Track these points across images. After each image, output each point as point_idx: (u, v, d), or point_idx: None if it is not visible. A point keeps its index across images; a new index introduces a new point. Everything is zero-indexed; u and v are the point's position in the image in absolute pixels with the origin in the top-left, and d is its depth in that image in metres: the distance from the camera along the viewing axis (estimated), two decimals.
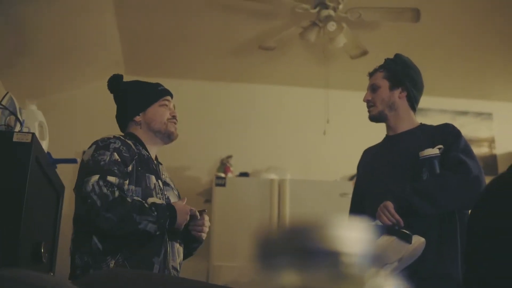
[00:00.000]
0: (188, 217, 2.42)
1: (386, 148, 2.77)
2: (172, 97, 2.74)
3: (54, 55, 4.55)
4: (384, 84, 2.72)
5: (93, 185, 2.26)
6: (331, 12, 4.16)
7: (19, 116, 2.83)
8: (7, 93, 2.87)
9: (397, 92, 2.71)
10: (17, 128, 2.79)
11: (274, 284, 0.43)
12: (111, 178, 2.30)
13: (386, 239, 2.21)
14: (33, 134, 2.56)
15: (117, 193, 2.27)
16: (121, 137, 2.54)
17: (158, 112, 2.63)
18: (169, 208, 2.37)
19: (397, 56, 2.80)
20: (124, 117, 2.69)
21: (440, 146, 2.52)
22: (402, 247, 2.20)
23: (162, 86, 2.74)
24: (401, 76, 2.71)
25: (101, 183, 2.27)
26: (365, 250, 0.44)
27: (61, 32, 4.28)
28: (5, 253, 2.33)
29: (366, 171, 2.81)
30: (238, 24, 4.65)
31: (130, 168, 2.41)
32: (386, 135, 2.82)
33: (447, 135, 2.58)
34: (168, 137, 2.66)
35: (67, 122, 5.04)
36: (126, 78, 2.78)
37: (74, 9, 4.11)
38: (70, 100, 5.23)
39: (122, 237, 2.31)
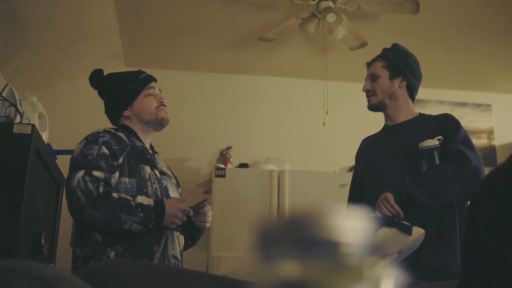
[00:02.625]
0: (177, 219, 2.37)
1: (385, 139, 2.76)
2: (156, 81, 2.69)
3: (54, 47, 4.54)
4: (384, 73, 2.71)
5: (78, 180, 2.27)
6: (331, 4, 4.15)
7: (19, 107, 2.83)
8: (7, 84, 2.87)
9: (397, 82, 2.70)
10: (17, 120, 2.79)
11: (273, 274, 0.44)
12: (96, 173, 2.30)
13: (386, 230, 2.20)
14: (33, 125, 2.56)
15: (101, 189, 2.27)
16: (112, 130, 2.53)
17: (144, 103, 2.60)
18: (157, 209, 2.34)
19: (395, 45, 2.80)
20: (112, 113, 2.68)
21: (440, 137, 2.52)
22: (402, 238, 2.20)
23: (144, 73, 2.69)
24: (400, 66, 2.70)
25: (86, 178, 2.27)
26: (364, 241, 0.45)
27: (61, 24, 4.27)
28: (5, 244, 2.34)
29: (365, 161, 2.81)
30: (237, 16, 4.64)
31: (121, 160, 2.41)
32: (385, 125, 2.81)
33: (447, 125, 2.57)
34: (159, 124, 2.63)
35: (67, 113, 5.04)
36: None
37: (74, 1, 4.10)
38: (70, 91, 5.22)
39: (108, 233, 2.32)
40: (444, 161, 2.47)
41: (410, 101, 2.76)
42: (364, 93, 2.80)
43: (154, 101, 2.61)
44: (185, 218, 2.42)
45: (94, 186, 2.26)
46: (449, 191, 2.43)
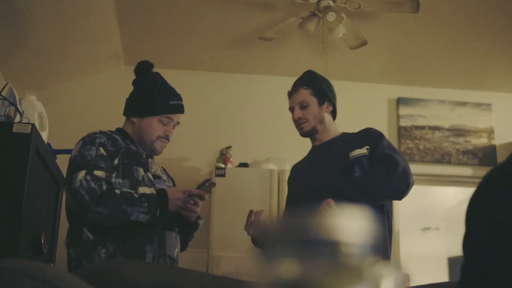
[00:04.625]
0: (180, 201, 2.45)
1: (315, 156, 2.96)
2: (182, 113, 2.70)
3: (54, 47, 4.54)
4: (313, 101, 2.91)
5: (80, 180, 2.29)
6: (331, 3, 4.15)
7: (19, 107, 2.83)
8: (7, 84, 2.87)
9: (324, 107, 2.92)
10: (17, 119, 2.79)
11: (273, 274, 0.44)
12: (97, 173, 2.33)
13: None
14: (33, 125, 2.56)
15: (105, 187, 2.31)
16: (108, 131, 2.56)
17: (152, 126, 2.61)
18: (160, 196, 2.39)
19: (311, 72, 3.03)
20: (127, 108, 2.71)
21: (367, 146, 2.71)
22: None
23: (178, 100, 2.69)
24: (326, 92, 2.91)
25: (88, 178, 2.30)
26: (363, 240, 0.45)
27: (61, 23, 4.27)
28: (5, 244, 2.34)
29: (299, 181, 2.96)
30: (237, 15, 4.64)
31: (116, 161, 2.43)
32: (313, 146, 3.02)
33: (371, 137, 2.79)
34: (150, 151, 2.65)
35: (67, 113, 5.03)
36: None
37: (74, 1, 4.10)
38: (70, 91, 5.22)
39: (115, 227, 2.35)
40: (375, 165, 2.65)
41: (333, 121, 2.99)
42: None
43: (161, 130, 2.62)
44: (190, 200, 2.48)
45: (97, 185, 2.29)
46: (384, 190, 2.62)
